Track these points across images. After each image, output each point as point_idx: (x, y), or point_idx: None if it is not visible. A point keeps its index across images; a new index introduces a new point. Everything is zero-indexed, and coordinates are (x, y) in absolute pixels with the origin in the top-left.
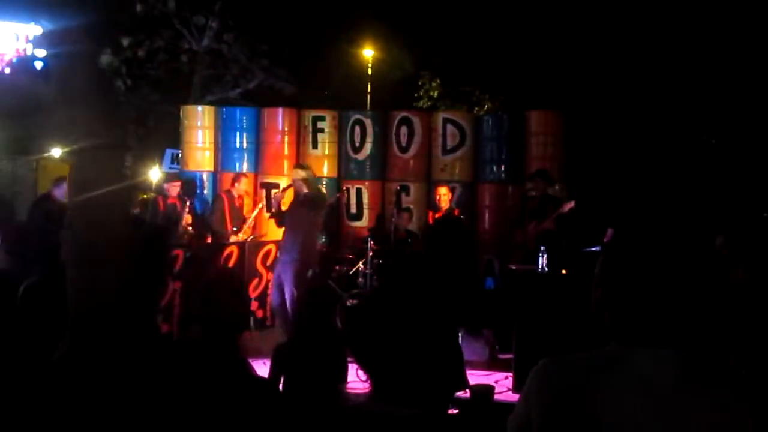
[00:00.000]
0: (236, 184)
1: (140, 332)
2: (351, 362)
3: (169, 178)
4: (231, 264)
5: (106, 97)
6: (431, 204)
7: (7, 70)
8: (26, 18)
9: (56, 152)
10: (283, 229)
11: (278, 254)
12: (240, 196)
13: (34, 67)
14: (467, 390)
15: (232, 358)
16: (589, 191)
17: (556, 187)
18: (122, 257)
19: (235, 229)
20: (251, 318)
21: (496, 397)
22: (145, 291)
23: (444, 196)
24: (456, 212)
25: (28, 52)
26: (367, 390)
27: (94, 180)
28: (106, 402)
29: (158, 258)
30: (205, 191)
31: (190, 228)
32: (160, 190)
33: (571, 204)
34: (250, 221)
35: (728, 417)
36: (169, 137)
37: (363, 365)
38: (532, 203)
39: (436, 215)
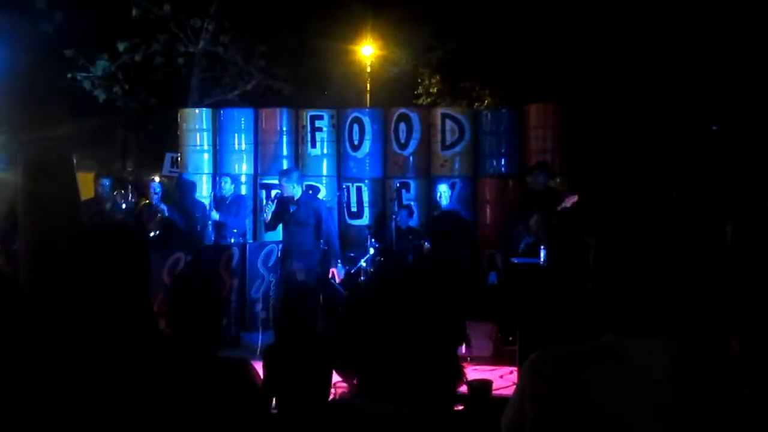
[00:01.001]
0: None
1: (129, 332)
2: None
3: (156, 181)
4: (232, 265)
5: (50, 89)
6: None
7: None
8: None
9: None
10: (281, 231)
11: (286, 254)
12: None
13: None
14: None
15: (207, 358)
16: (590, 183)
17: (557, 180)
18: (72, 255)
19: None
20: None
21: (501, 391)
22: (115, 288)
23: (444, 193)
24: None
25: None
26: (352, 387)
27: (39, 174)
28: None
29: (120, 255)
30: (204, 194)
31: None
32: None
33: (575, 198)
34: None
35: (725, 405)
36: (170, 141)
37: (351, 361)
38: (533, 197)
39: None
